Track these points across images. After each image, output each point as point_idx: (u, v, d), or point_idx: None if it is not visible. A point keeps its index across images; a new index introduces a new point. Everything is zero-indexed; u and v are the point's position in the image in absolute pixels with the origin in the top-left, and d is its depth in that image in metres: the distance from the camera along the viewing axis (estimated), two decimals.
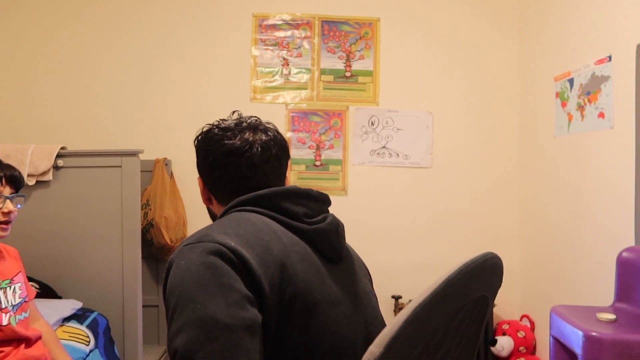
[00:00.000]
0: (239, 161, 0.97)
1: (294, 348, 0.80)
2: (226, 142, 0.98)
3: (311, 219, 0.93)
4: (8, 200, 1.52)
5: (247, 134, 0.99)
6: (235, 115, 1.05)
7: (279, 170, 1.04)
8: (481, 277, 0.79)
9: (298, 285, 0.81)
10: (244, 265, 0.77)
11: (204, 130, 1.04)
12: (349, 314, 0.88)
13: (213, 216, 1.08)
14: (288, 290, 0.80)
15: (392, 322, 0.65)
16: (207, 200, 1.07)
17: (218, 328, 0.71)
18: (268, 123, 1.05)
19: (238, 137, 0.99)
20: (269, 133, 1.02)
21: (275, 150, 1.01)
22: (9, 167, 1.56)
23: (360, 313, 0.92)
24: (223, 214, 0.96)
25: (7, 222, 1.53)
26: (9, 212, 1.52)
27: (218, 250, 0.78)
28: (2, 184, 1.52)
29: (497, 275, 0.85)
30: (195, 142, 1.05)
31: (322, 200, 0.99)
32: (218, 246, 0.78)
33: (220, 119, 1.05)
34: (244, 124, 1.02)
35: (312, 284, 0.84)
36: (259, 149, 0.98)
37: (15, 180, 1.57)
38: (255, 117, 1.05)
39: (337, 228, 0.96)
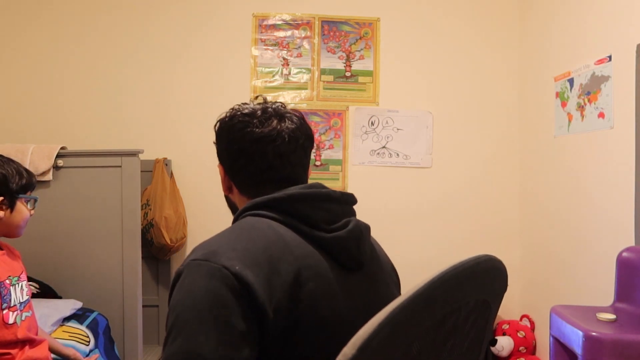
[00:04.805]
0: (266, 150, 0.93)
1: None
2: (253, 129, 0.93)
3: (332, 224, 0.88)
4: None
5: (274, 121, 0.95)
6: (259, 100, 1.00)
7: (304, 160, 0.99)
8: (475, 280, 0.76)
9: (306, 305, 0.78)
10: (247, 291, 0.74)
11: (228, 115, 0.98)
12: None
13: (232, 205, 1.04)
14: (295, 312, 0.77)
15: (368, 323, 0.63)
16: (228, 189, 1.01)
17: None
18: (294, 110, 1.00)
19: (266, 125, 0.94)
20: (295, 120, 0.97)
21: (302, 140, 0.97)
22: (34, 175, 1.67)
23: None
24: (238, 216, 0.92)
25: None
26: (32, 214, 1.64)
27: (222, 276, 0.75)
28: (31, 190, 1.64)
29: (497, 278, 0.82)
30: (217, 127, 0.99)
31: (344, 202, 0.93)
32: (223, 271, 0.75)
33: (243, 103, 0.99)
34: (270, 109, 0.97)
35: (321, 302, 0.80)
36: (287, 138, 0.94)
37: (35, 187, 1.69)
38: (280, 102, 1.00)
39: (359, 235, 0.90)
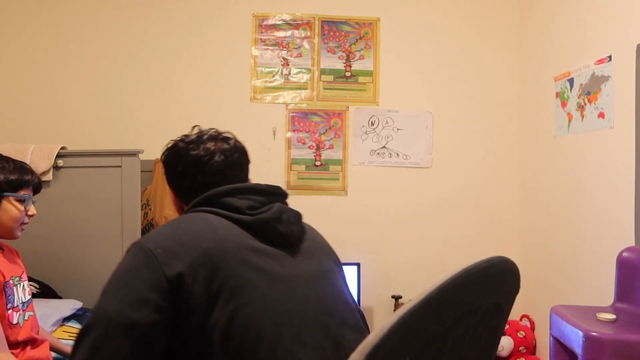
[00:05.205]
0: (205, 169, 1.09)
1: (230, 323, 0.86)
2: (192, 152, 1.10)
3: (255, 210, 1.01)
4: (32, 204, 1.60)
5: (209, 144, 1.12)
6: (196, 130, 1.17)
7: (241, 174, 1.15)
8: (487, 283, 0.75)
9: (229, 270, 0.89)
10: (164, 266, 0.87)
11: (169, 145, 1.16)
12: (296, 288, 0.95)
13: None
14: (218, 278, 0.88)
15: (377, 329, 0.62)
16: (180, 210, 1.18)
17: (101, 320, 0.84)
18: (227, 133, 1.17)
19: (201, 147, 1.11)
20: (230, 142, 1.15)
21: (236, 156, 1.13)
22: (37, 174, 1.62)
23: (310, 288, 0.97)
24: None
25: (25, 224, 1.59)
26: (32, 215, 1.59)
27: (145, 255, 0.89)
28: (31, 189, 1.58)
29: (509, 280, 0.81)
30: (163, 157, 1.16)
31: (270, 193, 1.06)
32: (147, 251, 0.90)
33: (183, 135, 1.16)
34: (205, 136, 1.14)
35: (245, 266, 0.91)
36: (222, 156, 1.10)
37: (39, 187, 1.63)
38: (214, 129, 1.17)
39: (280, 216, 1.02)
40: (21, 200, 1.53)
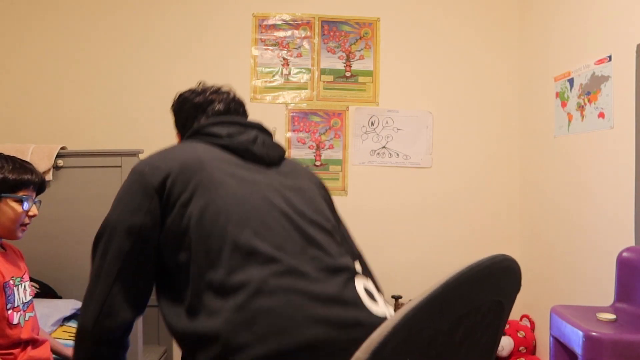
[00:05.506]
0: (206, 112, 1.25)
1: (203, 211, 0.99)
2: (194, 99, 1.27)
3: (234, 137, 1.15)
4: (34, 205, 1.58)
5: (209, 94, 1.27)
6: (201, 85, 1.32)
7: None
8: (490, 281, 0.75)
9: (204, 173, 1.03)
10: (149, 180, 1.04)
11: (176, 97, 1.31)
12: (265, 190, 1.06)
13: None
14: (194, 179, 1.02)
15: (381, 326, 0.61)
16: None
17: (108, 225, 1.05)
18: (227, 87, 1.33)
19: (202, 96, 1.27)
20: (230, 94, 1.30)
21: (233, 105, 1.28)
22: (39, 174, 1.60)
23: (280, 194, 1.07)
24: None
25: (27, 225, 1.57)
26: (33, 216, 1.57)
27: (138, 171, 1.08)
28: (32, 189, 1.56)
29: (511, 278, 0.82)
30: (172, 107, 1.32)
31: (250, 125, 1.19)
32: (139, 171, 1.07)
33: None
34: (208, 88, 1.30)
35: (220, 171, 1.05)
36: (221, 103, 1.26)
37: (42, 187, 1.61)
38: (216, 85, 1.32)
39: (255, 139, 1.15)
40: (19, 201, 1.51)
